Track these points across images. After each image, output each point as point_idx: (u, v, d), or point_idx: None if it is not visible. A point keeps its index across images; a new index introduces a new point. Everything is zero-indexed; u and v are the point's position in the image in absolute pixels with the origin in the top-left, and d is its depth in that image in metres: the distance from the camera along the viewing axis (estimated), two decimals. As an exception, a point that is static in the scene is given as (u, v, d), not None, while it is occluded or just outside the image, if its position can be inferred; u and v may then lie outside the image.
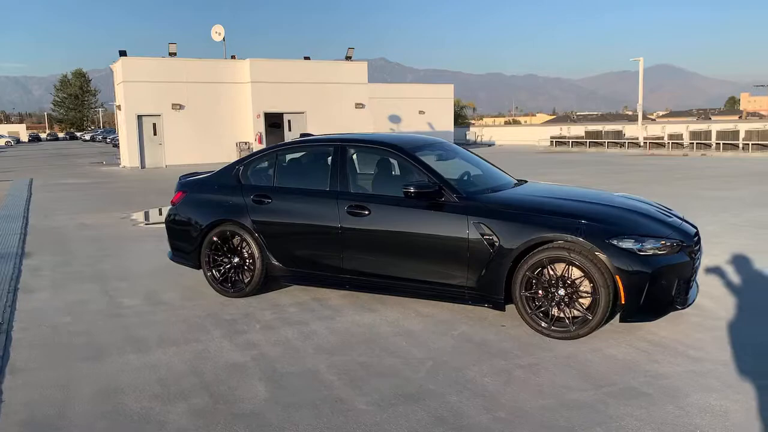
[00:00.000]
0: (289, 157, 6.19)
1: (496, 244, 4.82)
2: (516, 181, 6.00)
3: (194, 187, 6.36)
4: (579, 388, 3.83)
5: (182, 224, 6.29)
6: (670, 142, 30.23)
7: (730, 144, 27.52)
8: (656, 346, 4.48)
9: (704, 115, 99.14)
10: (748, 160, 22.79)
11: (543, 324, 4.71)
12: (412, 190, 5.11)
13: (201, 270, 6.22)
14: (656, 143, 31.08)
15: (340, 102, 29.46)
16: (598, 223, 4.67)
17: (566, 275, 4.66)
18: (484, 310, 5.31)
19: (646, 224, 4.79)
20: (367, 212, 5.33)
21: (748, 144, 26.44)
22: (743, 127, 28.26)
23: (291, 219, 5.70)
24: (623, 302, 4.48)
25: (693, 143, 29.25)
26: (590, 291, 4.57)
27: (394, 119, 42.04)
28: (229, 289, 5.96)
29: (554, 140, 37.81)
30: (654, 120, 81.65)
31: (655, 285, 4.49)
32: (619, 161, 24.27)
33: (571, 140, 36.47)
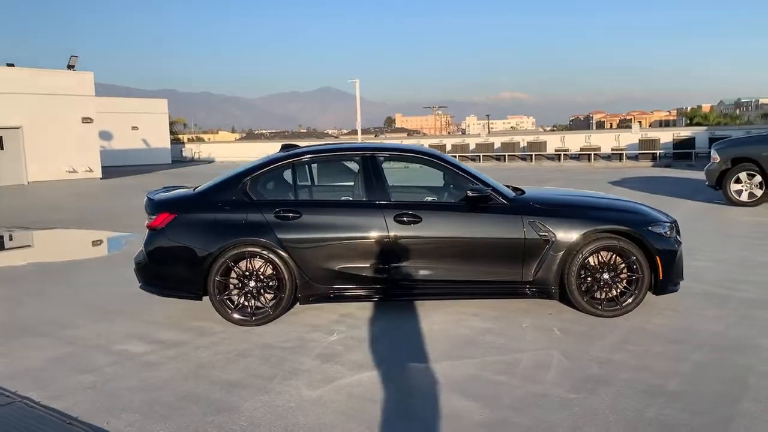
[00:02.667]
0: (308, 167, 5.84)
1: (552, 239, 5.37)
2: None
3: (188, 207, 5.58)
4: (673, 341, 4.64)
5: (177, 251, 5.46)
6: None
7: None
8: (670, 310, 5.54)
9: (379, 131, 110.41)
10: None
11: (598, 306, 5.41)
12: (475, 194, 5.37)
13: (194, 300, 5.51)
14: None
15: (64, 116, 26.07)
16: (634, 214, 5.56)
17: (611, 261, 5.43)
18: (511, 303, 5.76)
19: (653, 213, 5.82)
20: (419, 220, 5.39)
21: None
22: (449, 142, 32.80)
23: (328, 233, 5.42)
24: (661, 277, 5.42)
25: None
26: (634, 271, 5.40)
27: (105, 136, 38.52)
28: (250, 317, 5.39)
29: (281, 156, 38.99)
30: (337, 137, 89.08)
31: (677, 260, 5.53)
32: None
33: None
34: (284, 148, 6.24)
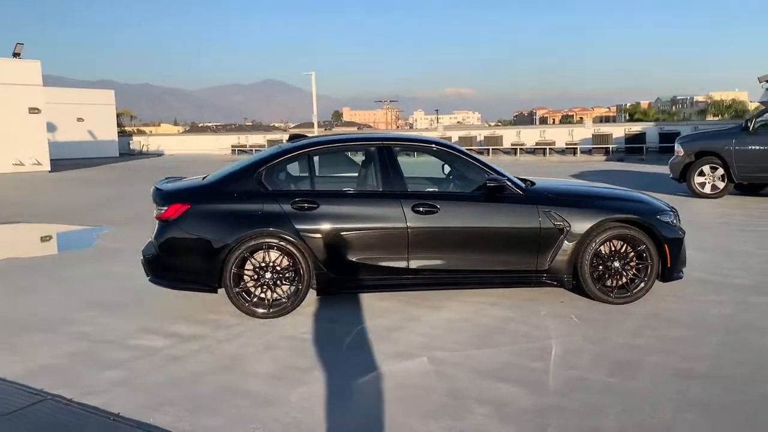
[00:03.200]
0: (323, 158, 5.77)
1: (567, 228, 5.48)
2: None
3: (201, 198, 5.44)
4: (687, 325, 4.83)
5: (192, 242, 5.33)
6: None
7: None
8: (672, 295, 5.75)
9: (328, 125, 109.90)
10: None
11: (610, 294, 5.54)
12: (494, 184, 5.43)
13: (210, 293, 5.40)
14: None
15: (9, 106, 24.93)
16: (643, 204, 5.73)
17: (622, 250, 5.58)
18: (521, 292, 5.85)
19: (659, 203, 6.00)
20: (436, 210, 5.42)
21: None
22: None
23: (346, 224, 5.38)
24: (669, 265, 5.60)
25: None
26: (643, 260, 5.56)
27: (49, 128, 37.03)
28: (267, 308, 5.31)
29: (236, 149, 38.50)
30: (285, 130, 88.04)
31: (682, 248, 5.73)
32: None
33: (254, 149, 37.58)
34: (292, 138, 6.16)
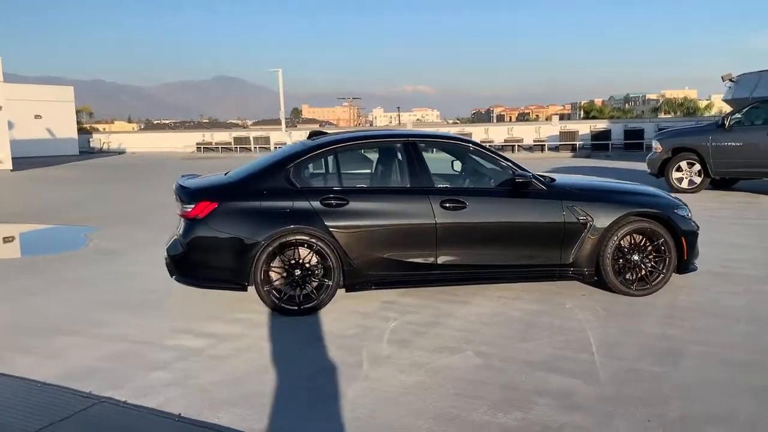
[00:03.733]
0: (349, 155, 5.77)
1: (590, 223, 5.60)
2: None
3: (229, 195, 5.38)
4: (711, 314, 5.01)
5: (223, 240, 5.26)
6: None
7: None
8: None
9: (289, 122, 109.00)
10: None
11: (630, 286, 5.68)
12: (521, 180, 5.51)
13: (236, 291, 5.35)
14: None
15: (-33, 103, 24.02)
16: (661, 198, 5.89)
17: (641, 243, 5.73)
18: (544, 285, 5.96)
19: (672, 197, 6.17)
20: (464, 205, 5.47)
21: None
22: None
23: (376, 221, 5.39)
24: (686, 258, 5.77)
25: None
26: (661, 253, 5.72)
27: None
28: (298, 306, 5.29)
29: (200, 146, 37.87)
30: (246, 127, 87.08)
31: (697, 241, 5.91)
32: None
33: (220, 146, 37.10)
34: (313, 135, 6.13)
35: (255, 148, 35.33)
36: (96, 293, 6.20)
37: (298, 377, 4.09)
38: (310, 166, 5.64)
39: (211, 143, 38.18)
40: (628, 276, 5.71)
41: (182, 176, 6.00)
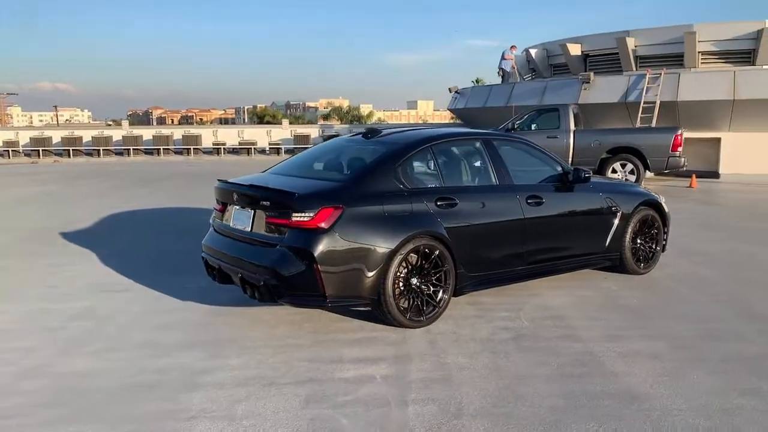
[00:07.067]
0: (443, 152, 5.39)
1: (618, 212, 6.31)
2: None
3: (352, 200, 4.65)
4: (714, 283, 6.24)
5: (356, 252, 4.56)
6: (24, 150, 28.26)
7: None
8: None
9: None
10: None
11: (639, 266, 6.56)
12: (582, 174, 5.91)
13: (365, 309, 4.79)
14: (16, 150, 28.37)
15: None
16: (650, 192, 6.87)
17: (644, 228, 6.63)
18: (567, 276, 6.45)
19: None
20: (542, 200, 5.68)
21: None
22: (57, 134, 29.13)
23: (480, 219, 5.27)
24: (665, 238, 6.87)
25: (38, 150, 28.29)
26: (655, 235, 6.71)
27: None
28: (423, 315, 4.89)
29: None
30: None
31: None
32: None
33: None
34: (369, 132, 5.65)
35: None
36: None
37: (535, 383, 3.90)
38: (412, 165, 5.18)
39: None
40: (639, 257, 6.56)
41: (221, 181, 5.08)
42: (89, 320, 5.19)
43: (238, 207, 5.02)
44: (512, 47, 22.85)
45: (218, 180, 5.43)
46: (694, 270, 6.84)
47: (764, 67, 18.28)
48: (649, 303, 5.61)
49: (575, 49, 21.61)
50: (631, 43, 19.92)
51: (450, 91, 24.42)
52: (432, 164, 5.31)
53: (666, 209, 6.81)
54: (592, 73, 18.57)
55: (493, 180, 5.55)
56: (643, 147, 13.98)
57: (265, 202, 4.66)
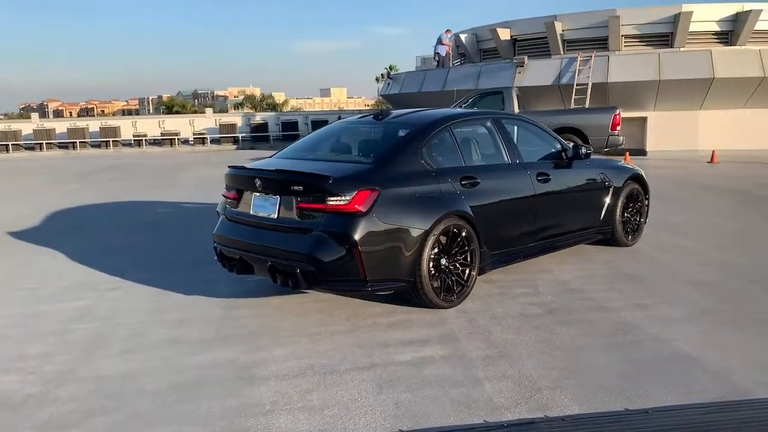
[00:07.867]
0: (461, 132, 5.34)
1: (611, 186, 6.50)
2: None
3: (387, 182, 4.53)
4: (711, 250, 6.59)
5: (393, 234, 4.46)
6: None
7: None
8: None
9: None
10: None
11: (628, 238, 6.80)
12: (582, 150, 6.04)
13: (401, 292, 4.73)
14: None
15: None
16: (635, 167, 7.11)
17: (629, 203, 6.87)
18: (568, 251, 6.60)
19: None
20: (549, 177, 5.76)
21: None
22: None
23: (499, 197, 5.28)
24: (647, 210, 7.15)
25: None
26: (639, 208, 6.97)
27: None
28: (454, 294, 4.87)
29: None
30: None
31: (648, 198, 7.36)
32: None
33: None
34: (380, 114, 5.54)
35: None
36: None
37: (603, 356, 3.98)
38: (435, 145, 5.10)
39: None
40: (627, 230, 6.79)
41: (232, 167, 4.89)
42: (92, 322, 4.84)
43: (259, 193, 4.80)
44: (447, 31, 23.06)
45: (230, 167, 5.17)
46: (674, 241, 7.16)
47: (681, 49, 19.35)
48: (651, 272, 5.81)
49: (505, 34, 22.08)
50: (558, 27, 20.57)
51: (382, 77, 24.50)
52: (452, 144, 5.26)
53: (647, 183, 7.08)
54: (526, 57, 19.05)
55: (506, 158, 5.58)
56: (584, 127, 14.50)
57: (297, 187, 4.47)
